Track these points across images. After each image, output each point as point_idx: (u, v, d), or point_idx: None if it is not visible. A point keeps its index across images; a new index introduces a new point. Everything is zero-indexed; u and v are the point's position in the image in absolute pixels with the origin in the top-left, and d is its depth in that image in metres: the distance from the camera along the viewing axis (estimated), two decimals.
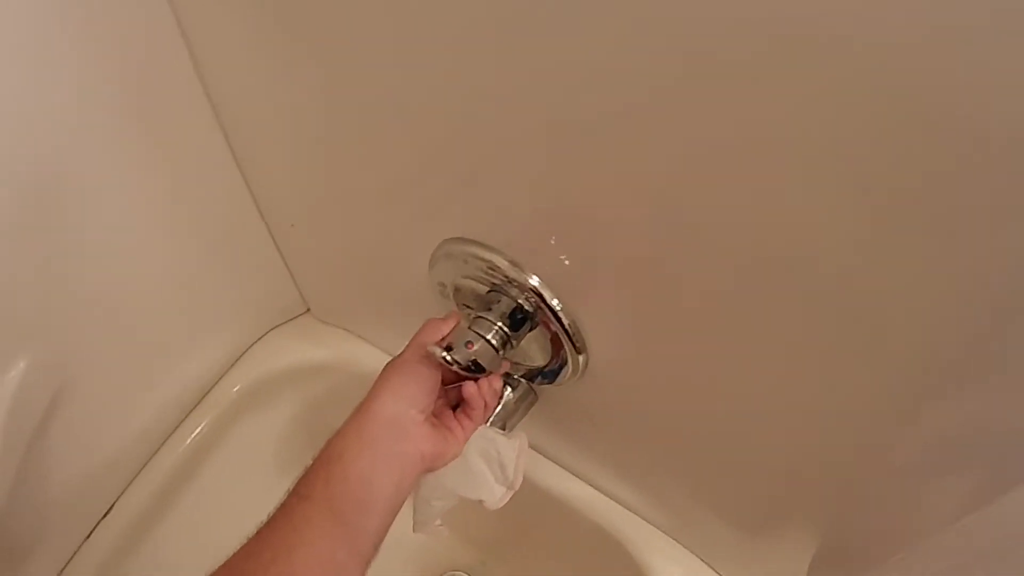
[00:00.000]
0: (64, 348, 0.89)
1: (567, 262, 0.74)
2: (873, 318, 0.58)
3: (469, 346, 0.77)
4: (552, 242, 0.73)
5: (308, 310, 1.32)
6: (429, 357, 0.75)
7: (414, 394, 0.74)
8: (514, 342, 0.80)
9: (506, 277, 0.78)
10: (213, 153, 0.97)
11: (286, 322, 1.31)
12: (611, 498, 1.08)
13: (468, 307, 0.85)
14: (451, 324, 0.80)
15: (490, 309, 0.80)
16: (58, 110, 0.76)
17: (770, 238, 0.58)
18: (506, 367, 0.89)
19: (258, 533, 0.66)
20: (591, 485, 1.09)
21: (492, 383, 0.81)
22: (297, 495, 0.68)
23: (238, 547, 0.65)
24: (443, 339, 0.78)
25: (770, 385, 0.71)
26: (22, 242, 0.77)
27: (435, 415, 0.78)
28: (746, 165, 0.54)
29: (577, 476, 1.10)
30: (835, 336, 0.61)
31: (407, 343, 0.79)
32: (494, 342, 0.78)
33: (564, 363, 0.84)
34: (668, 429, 0.88)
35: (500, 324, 0.79)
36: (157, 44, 0.83)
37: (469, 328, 0.79)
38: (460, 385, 0.79)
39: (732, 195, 0.57)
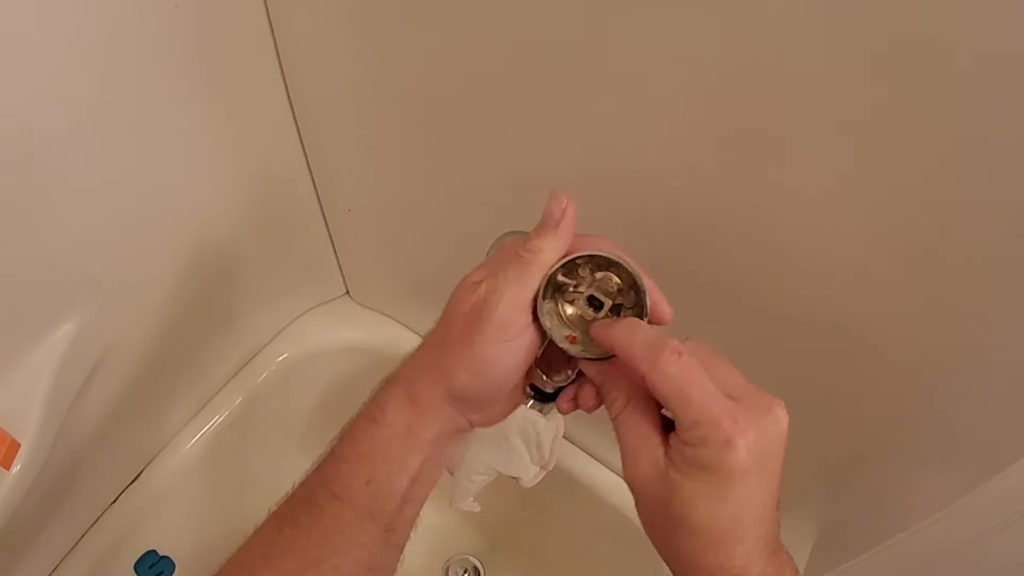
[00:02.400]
0: (110, 312, 0.91)
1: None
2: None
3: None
4: (609, 232, 0.79)
5: (347, 292, 1.36)
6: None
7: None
8: None
9: None
10: (279, 129, 1.01)
11: (324, 303, 1.35)
12: None
13: None
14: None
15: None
16: (122, 69, 0.77)
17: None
18: None
19: (279, 528, 0.61)
20: (613, 471, 1.13)
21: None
22: (329, 491, 0.60)
23: (252, 529, 0.62)
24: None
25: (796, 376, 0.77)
26: (79, 202, 0.80)
27: None
28: None
29: (599, 461, 1.14)
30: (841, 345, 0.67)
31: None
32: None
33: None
34: None
35: None
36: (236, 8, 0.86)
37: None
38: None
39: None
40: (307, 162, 1.08)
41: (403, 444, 0.59)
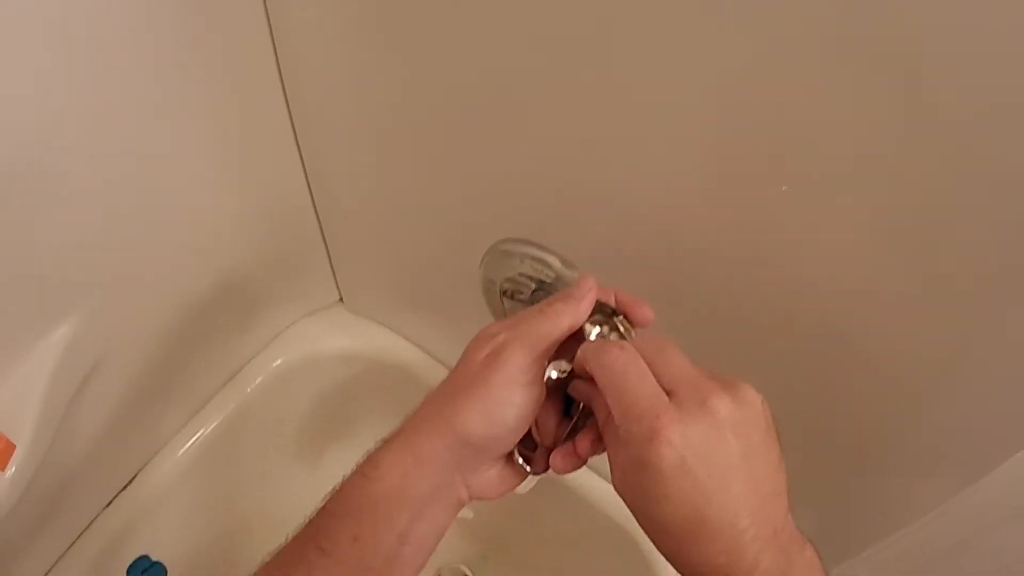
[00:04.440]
0: (105, 316, 0.91)
1: (616, 265, 0.80)
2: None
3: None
4: (604, 246, 0.80)
5: (340, 300, 1.36)
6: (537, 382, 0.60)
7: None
8: None
9: (556, 275, 0.84)
10: (275, 133, 1.02)
11: (318, 311, 1.36)
12: None
13: (517, 301, 0.91)
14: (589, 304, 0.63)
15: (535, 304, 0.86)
16: (122, 72, 0.78)
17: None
18: None
19: None
20: (604, 479, 1.13)
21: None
22: (317, 547, 0.59)
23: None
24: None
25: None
26: (75, 204, 0.80)
27: None
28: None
29: (592, 469, 1.13)
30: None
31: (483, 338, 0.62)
32: None
33: None
34: None
35: None
36: (237, 20, 0.86)
37: None
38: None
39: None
40: (303, 167, 1.08)
41: (391, 501, 0.59)
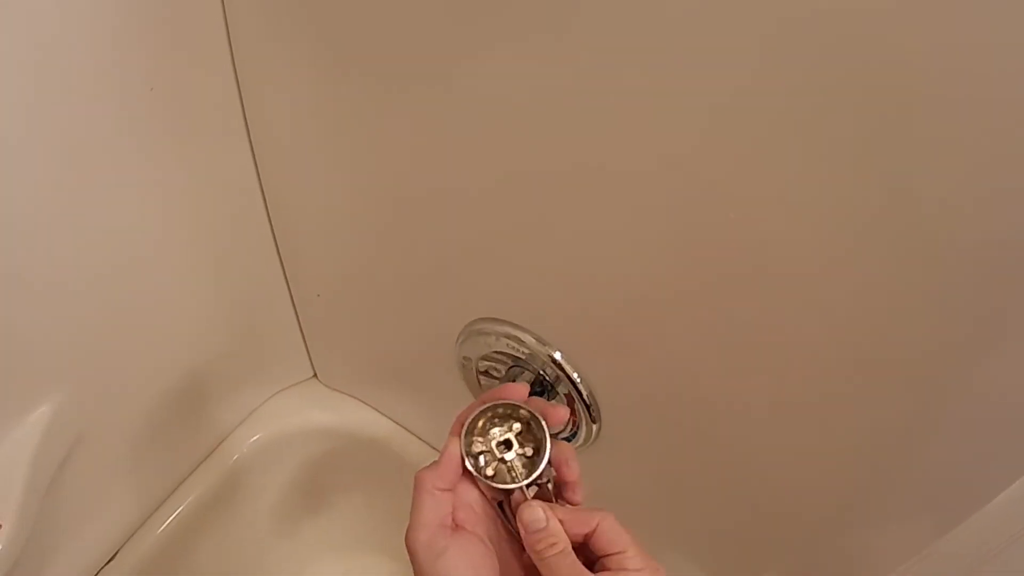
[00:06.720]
0: (85, 395, 0.93)
1: (588, 339, 0.84)
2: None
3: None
4: (575, 321, 0.83)
5: (314, 375, 1.38)
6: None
7: None
8: None
9: (531, 352, 0.88)
10: (249, 215, 1.05)
11: (292, 386, 1.37)
12: None
13: (492, 378, 0.95)
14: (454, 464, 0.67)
15: (514, 381, 0.88)
16: (95, 154, 0.80)
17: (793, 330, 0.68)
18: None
19: None
20: None
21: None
22: None
23: None
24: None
25: (770, 454, 0.81)
26: (52, 286, 0.82)
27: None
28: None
29: None
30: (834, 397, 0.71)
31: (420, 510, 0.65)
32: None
33: (577, 431, 0.93)
34: (673, 493, 0.96)
35: None
36: (211, 97, 0.88)
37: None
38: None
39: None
40: (277, 250, 1.11)
41: None
